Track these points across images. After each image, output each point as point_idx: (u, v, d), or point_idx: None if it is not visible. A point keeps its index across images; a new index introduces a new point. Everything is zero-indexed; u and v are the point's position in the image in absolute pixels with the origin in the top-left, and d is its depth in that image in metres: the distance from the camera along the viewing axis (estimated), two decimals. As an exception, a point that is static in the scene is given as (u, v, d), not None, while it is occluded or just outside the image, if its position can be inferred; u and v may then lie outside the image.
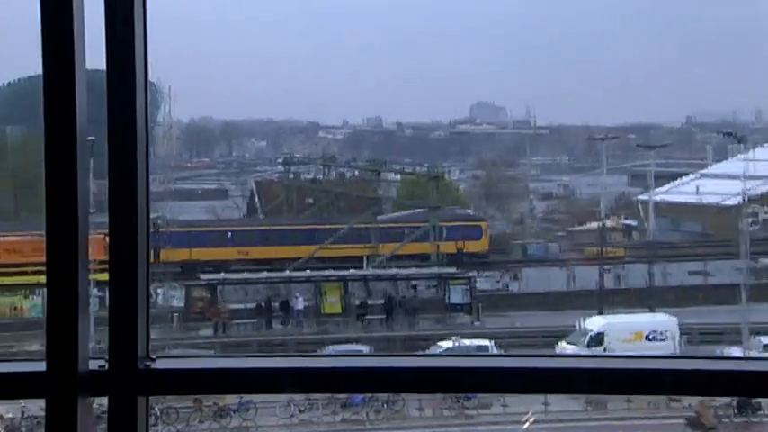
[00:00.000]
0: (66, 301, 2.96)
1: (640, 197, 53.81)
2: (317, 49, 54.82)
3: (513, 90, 56.50)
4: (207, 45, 53.19)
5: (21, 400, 18.59)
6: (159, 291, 39.37)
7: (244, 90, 56.45)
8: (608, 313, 39.97)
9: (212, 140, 69.27)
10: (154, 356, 3.05)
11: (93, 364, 3.01)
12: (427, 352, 33.28)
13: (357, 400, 30.47)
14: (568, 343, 35.76)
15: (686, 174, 56.63)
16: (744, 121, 59.77)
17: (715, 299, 40.68)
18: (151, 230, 3.12)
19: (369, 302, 41.11)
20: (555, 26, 54.50)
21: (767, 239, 47.29)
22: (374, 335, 38.82)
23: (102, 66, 3.05)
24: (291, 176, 51.57)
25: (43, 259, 3.02)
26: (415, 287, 41.79)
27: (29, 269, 36.59)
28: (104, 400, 3.04)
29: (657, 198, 51.65)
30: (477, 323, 40.35)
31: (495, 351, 32.94)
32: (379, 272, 43.17)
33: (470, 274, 42.85)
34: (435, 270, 43.20)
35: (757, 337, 35.63)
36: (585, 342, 35.82)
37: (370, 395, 29.10)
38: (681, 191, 53.87)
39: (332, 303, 41.05)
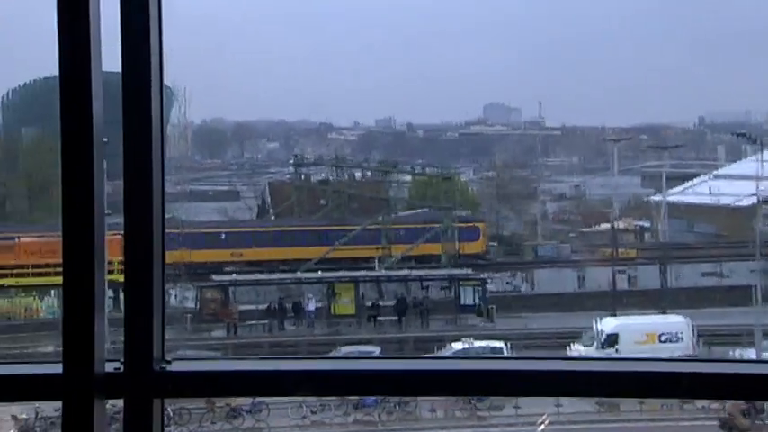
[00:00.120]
0: (82, 302, 2.97)
1: (653, 198, 53.62)
2: (322, 49, 54.77)
3: (526, 91, 56.31)
4: (219, 46, 53.24)
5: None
6: (172, 291, 39.39)
7: (256, 91, 56.40)
8: (621, 315, 39.88)
9: (224, 142, 69.16)
10: (169, 359, 3.05)
11: (109, 366, 3.02)
12: (439, 353, 33.28)
13: (369, 401, 30.42)
14: (582, 345, 35.71)
15: (698, 175, 56.35)
16: (757, 121, 59.41)
17: (729, 300, 40.52)
18: (171, 232, 3.13)
19: (381, 303, 41.08)
20: (568, 26, 54.38)
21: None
22: (386, 336, 38.79)
23: (118, 68, 3.06)
24: (303, 178, 51.51)
25: (58, 260, 3.02)
26: (426, 288, 41.74)
27: (43, 270, 36.62)
28: (119, 401, 3.05)
29: (670, 199, 51.47)
30: (489, 324, 40.27)
31: (508, 353, 32.90)
32: (391, 273, 43.13)
33: (483, 275, 42.80)
34: (447, 271, 43.13)
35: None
36: (599, 343, 35.76)
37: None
38: (694, 191, 53.62)
39: (344, 304, 41.01)
